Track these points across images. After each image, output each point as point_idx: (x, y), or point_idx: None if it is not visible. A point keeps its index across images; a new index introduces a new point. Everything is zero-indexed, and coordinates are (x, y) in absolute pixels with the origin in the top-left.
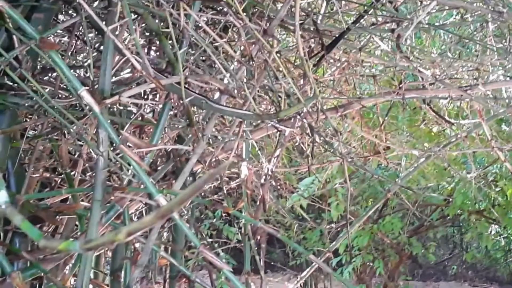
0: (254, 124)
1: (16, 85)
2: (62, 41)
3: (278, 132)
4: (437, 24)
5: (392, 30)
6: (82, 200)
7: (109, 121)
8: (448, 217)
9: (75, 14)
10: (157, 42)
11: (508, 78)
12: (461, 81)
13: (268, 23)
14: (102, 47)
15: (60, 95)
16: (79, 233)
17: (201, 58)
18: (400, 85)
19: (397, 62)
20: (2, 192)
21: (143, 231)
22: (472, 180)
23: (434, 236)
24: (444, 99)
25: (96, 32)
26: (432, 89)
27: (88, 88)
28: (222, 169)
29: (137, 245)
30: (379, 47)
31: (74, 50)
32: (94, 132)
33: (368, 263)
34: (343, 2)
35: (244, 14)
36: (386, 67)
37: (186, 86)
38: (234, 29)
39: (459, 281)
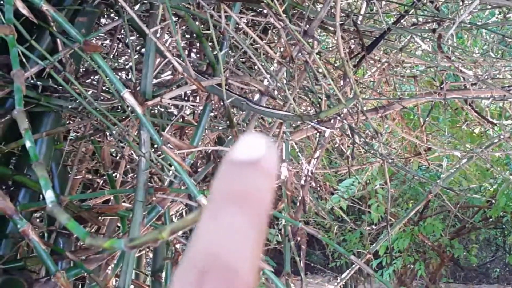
0: (294, 125)
1: (60, 87)
2: (104, 44)
3: (318, 133)
4: (479, 23)
5: (433, 30)
6: (124, 201)
7: (150, 122)
8: (491, 219)
9: (117, 17)
10: (198, 44)
11: None
12: (504, 81)
13: (308, 24)
14: (143, 50)
15: (102, 97)
16: (121, 234)
17: (241, 59)
18: (442, 86)
19: (438, 62)
20: (49, 192)
21: (184, 231)
22: None
23: (476, 238)
24: (486, 99)
25: (138, 35)
26: (474, 89)
27: (130, 90)
28: None
29: (178, 246)
30: (420, 47)
31: (116, 53)
32: (135, 133)
33: (409, 265)
34: (384, 2)
35: (284, 15)
36: (427, 68)
37: (227, 87)
38: (274, 31)
39: (502, 284)
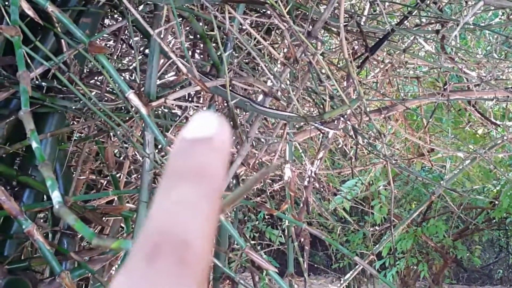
0: (297, 126)
1: (64, 88)
2: (108, 45)
3: (321, 134)
4: (482, 24)
5: (437, 31)
6: (128, 202)
7: (155, 123)
8: (494, 220)
9: (121, 18)
10: (201, 45)
11: None
12: (507, 82)
13: (312, 25)
14: (147, 51)
15: (106, 98)
16: (125, 235)
17: (244, 60)
18: (445, 87)
19: (441, 63)
20: (55, 192)
21: None
22: None
23: (480, 240)
24: (489, 100)
25: (142, 36)
26: (478, 90)
27: (134, 91)
28: (272, 169)
29: None
30: (423, 48)
31: (120, 54)
32: (139, 134)
33: (412, 266)
34: (387, 4)
35: (288, 16)
36: (431, 69)
37: (230, 88)
38: (278, 32)
39: (505, 285)
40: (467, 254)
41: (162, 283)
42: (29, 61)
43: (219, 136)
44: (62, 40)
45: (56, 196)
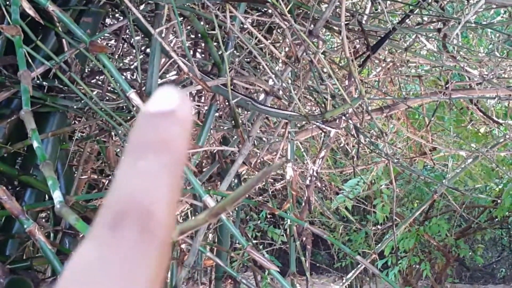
0: (298, 125)
1: (65, 87)
2: (109, 44)
3: (323, 133)
4: (484, 23)
5: (439, 30)
6: None
7: None
8: (496, 219)
9: (122, 18)
10: (202, 44)
11: None
12: (509, 80)
13: (313, 24)
14: (148, 50)
15: (107, 98)
16: None
17: (246, 59)
18: (447, 85)
19: (443, 62)
20: (57, 192)
21: (190, 232)
22: None
23: (482, 238)
24: (491, 99)
25: (143, 35)
26: (480, 89)
27: (136, 90)
28: (275, 168)
29: (183, 246)
30: (425, 47)
31: (121, 53)
32: None
33: (414, 266)
34: (388, 2)
35: (289, 15)
36: (432, 67)
37: (232, 87)
38: (279, 31)
39: (508, 284)
40: (470, 253)
41: (125, 250)
42: (30, 60)
43: (181, 109)
44: (63, 40)
45: (57, 195)
